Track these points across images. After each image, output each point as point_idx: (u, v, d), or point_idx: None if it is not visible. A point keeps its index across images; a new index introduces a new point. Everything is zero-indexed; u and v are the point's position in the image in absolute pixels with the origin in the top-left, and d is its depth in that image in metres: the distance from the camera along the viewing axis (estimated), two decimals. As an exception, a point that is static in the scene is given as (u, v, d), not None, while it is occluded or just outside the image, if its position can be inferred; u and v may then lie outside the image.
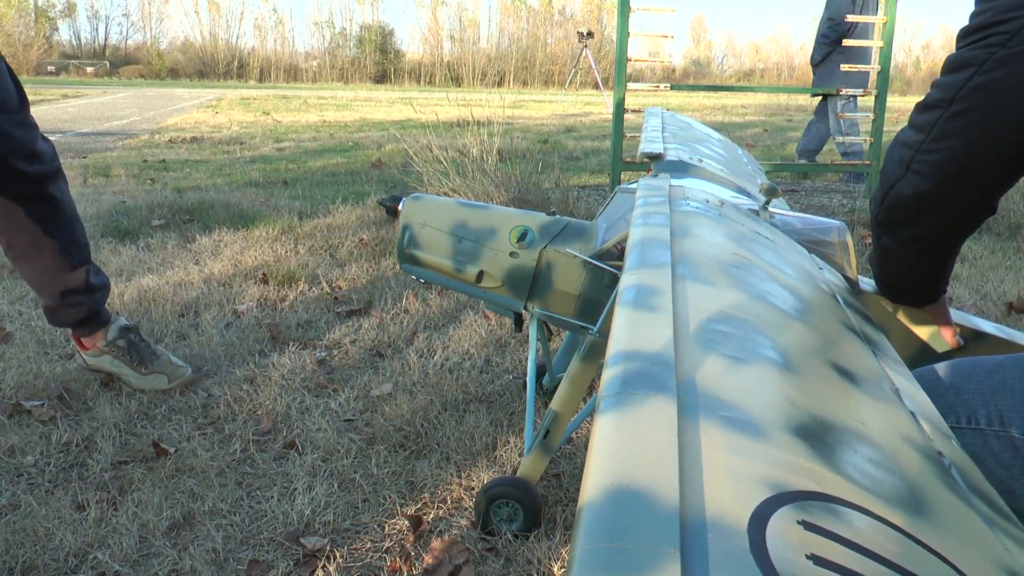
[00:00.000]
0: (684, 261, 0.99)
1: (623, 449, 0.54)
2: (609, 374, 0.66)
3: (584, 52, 16.96)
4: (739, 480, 0.54)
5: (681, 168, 1.85)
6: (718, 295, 0.91)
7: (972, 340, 1.57)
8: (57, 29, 42.79)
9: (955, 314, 1.64)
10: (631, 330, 0.76)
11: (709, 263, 1.02)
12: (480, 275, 1.72)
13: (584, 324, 1.64)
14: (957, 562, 0.56)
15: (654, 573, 0.42)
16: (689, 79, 43.58)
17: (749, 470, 0.56)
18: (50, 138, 2.14)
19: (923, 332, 1.60)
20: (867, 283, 1.62)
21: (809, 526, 0.51)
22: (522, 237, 1.69)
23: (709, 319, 0.82)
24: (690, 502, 0.49)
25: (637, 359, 0.68)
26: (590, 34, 17.12)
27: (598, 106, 16.13)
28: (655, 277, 0.90)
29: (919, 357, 1.60)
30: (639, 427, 0.57)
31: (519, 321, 1.81)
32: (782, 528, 0.50)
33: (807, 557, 0.48)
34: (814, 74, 6.41)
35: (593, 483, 0.50)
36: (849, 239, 1.56)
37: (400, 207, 1.82)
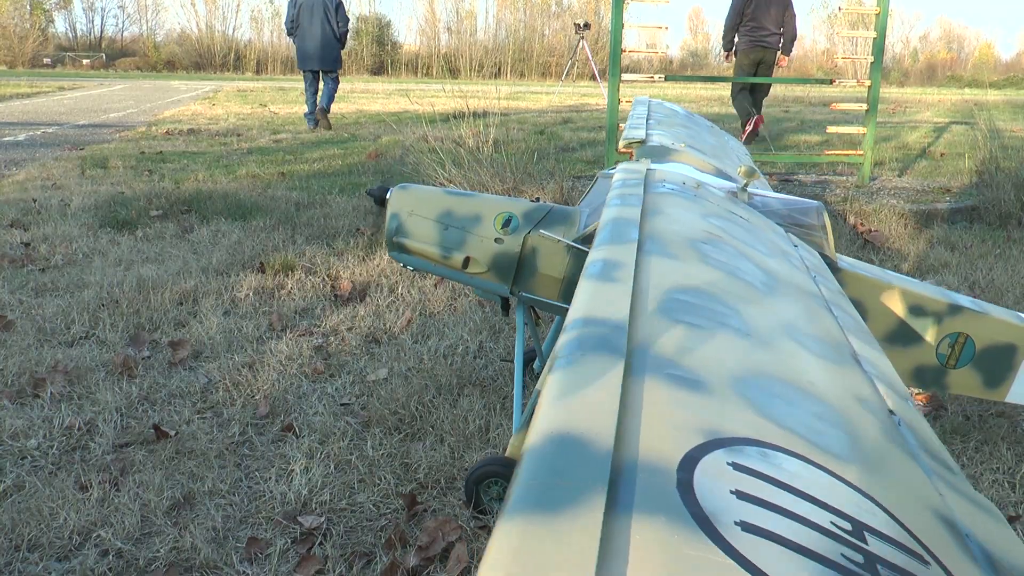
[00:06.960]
0: (653, 238, 1.05)
1: (566, 402, 0.59)
2: (564, 338, 0.71)
3: (581, 43, 16.93)
4: (676, 428, 0.60)
5: (662, 153, 1.90)
6: (683, 268, 0.96)
7: (948, 313, 1.63)
8: (53, 21, 42.69)
9: (931, 288, 1.70)
10: (590, 299, 0.81)
11: (677, 240, 1.07)
12: (466, 261, 1.76)
13: (568, 307, 1.68)
14: (887, 504, 0.61)
15: (581, 506, 0.47)
16: (687, 70, 43.49)
17: (687, 419, 0.62)
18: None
19: (899, 308, 1.66)
20: (845, 261, 1.68)
21: (739, 467, 0.57)
22: (507, 223, 1.73)
23: (671, 290, 0.87)
24: (625, 447, 0.55)
25: (592, 324, 0.74)
26: (587, 25, 17.11)
27: (595, 97, 16.11)
28: (620, 252, 0.95)
29: (898, 329, 1.66)
30: (584, 383, 0.62)
31: (506, 306, 1.85)
32: (712, 468, 0.55)
33: (731, 492, 0.53)
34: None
35: (536, 431, 0.55)
36: (827, 218, 1.61)
37: (388, 197, 1.86)
